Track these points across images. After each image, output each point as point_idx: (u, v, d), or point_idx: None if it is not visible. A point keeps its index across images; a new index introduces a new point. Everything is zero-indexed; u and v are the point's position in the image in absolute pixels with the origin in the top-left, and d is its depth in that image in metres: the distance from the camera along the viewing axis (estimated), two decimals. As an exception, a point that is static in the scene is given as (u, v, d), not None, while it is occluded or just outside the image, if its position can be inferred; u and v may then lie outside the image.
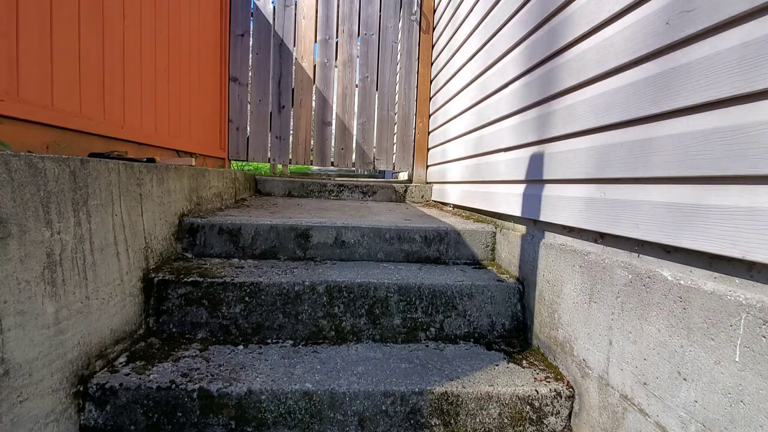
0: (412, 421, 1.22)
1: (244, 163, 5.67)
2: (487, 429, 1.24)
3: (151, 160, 1.75)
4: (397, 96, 3.94)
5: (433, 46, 3.51)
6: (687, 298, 0.89)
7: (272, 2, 3.71)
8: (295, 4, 3.74)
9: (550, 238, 1.51)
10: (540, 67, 1.57)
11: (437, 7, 3.42)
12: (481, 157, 2.22)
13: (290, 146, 3.88)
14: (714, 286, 0.84)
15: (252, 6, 3.69)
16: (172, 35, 2.58)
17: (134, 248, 1.41)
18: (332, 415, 1.20)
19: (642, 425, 1.00)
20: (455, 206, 2.80)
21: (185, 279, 1.50)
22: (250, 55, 3.71)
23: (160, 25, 2.42)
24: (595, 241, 1.26)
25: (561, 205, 1.39)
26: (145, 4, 2.23)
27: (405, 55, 3.82)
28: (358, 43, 3.85)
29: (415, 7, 3.72)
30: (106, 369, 1.21)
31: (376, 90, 3.90)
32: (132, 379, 1.17)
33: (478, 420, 1.24)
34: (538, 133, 1.56)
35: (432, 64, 3.52)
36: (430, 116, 3.55)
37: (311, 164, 3.94)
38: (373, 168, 4.00)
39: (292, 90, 3.79)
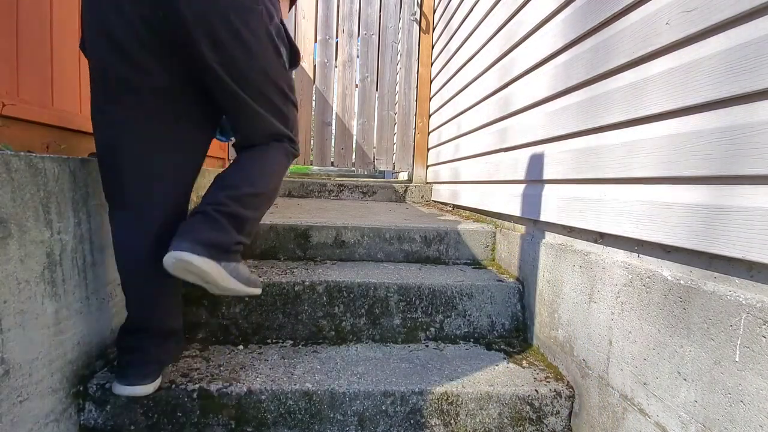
0: (412, 421, 1.22)
1: (244, 163, 5.65)
2: (487, 429, 1.24)
3: (151, 160, 1.75)
4: (397, 96, 3.94)
5: (433, 46, 3.51)
6: (687, 298, 0.89)
7: (272, 2, 3.71)
8: (295, 4, 3.74)
9: (550, 238, 1.51)
10: (545, 65, 1.57)
11: (437, 7, 3.42)
12: (482, 157, 2.22)
13: (290, 146, 3.87)
14: (714, 286, 0.84)
15: (252, 6, 3.69)
16: (172, 35, 2.57)
17: (134, 248, 1.41)
18: (332, 415, 1.20)
19: (642, 425, 1.00)
20: (455, 206, 2.80)
21: (185, 279, 1.49)
22: (250, 55, 3.70)
23: (160, 25, 2.41)
24: (595, 241, 1.26)
25: (561, 205, 1.39)
26: (145, 4, 2.22)
27: (405, 55, 3.82)
28: (358, 43, 3.85)
29: (415, 7, 3.71)
30: (106, 369, 1.21)
31: (376, 90, 3.90)
32: (132, 379, 1.17)
33: (478, 420, 1.24)
34: (539, 132, 1.56)
35: (432, 64, 3.51)
36: (430, 116, 3.55)
37: (311, 164, 3.93)
38: (373, 168, 4.00)
39: (292, 90, 3.78)
